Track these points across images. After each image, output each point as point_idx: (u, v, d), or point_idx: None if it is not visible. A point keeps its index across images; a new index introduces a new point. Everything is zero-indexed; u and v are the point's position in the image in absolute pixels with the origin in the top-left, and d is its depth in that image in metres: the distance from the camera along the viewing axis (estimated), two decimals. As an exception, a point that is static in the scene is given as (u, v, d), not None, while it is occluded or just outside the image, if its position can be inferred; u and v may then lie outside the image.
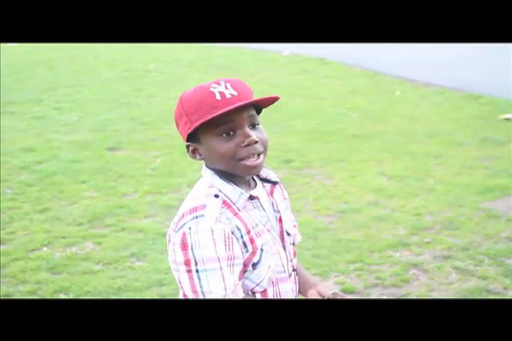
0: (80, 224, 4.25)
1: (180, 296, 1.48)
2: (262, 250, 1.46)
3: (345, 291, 3.26)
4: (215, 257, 1.37)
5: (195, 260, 1.37)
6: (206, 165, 1.52)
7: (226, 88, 1.43)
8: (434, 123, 6.87)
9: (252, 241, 1.44)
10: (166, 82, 9.02)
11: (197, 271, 1.37)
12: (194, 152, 1.49)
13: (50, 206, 4.55)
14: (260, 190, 1.54)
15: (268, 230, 1.50)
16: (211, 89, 1.43)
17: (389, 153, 5.79)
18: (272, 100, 1.47)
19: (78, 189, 4.87)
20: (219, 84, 1.44)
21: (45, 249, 3.90)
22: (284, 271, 1.53)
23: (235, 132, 1.42)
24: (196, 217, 1.39)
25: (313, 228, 4.13)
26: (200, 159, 1.50)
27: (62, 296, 3.31)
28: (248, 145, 1.42)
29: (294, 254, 1.60)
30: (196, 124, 1.41)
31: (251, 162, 1.43)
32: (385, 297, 3.31)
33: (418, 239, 4.03)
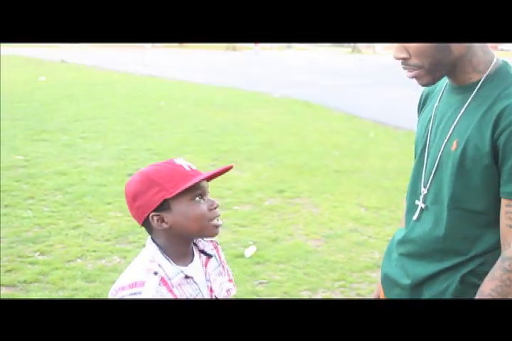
0: (108, 240, 4.22)
1: None
2: None
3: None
4: None
5: None
6: (152, 239, 1.44)
7: (186, 162, 1.44)
8: (403, 161, 7.09)
9: None
10: (175, 117, 9.03)
11: None
12: (159, 221, 1.41)
13: (82, 223, 4.49)
14: (197, 262, 1.48)
15: None
16: (178, 162, 1.42)
17: (365, 187, 5.85)
18: (226, 171, 1.48)
19: (105, 209, 4.83)
20: (176, 159, 1.44)
21: (79, 260, 3.87)
22: None
23: (202, 197, 1.42)
24: (134, 294, 1.34)
25: (304, 250, 4.18)
26: (166, 227, 1.41)
27: (97, 302, 3.34)
28: (215, 207, 1.44)
29: None
30: (179, 189, 1.37)
31: (218, 222, 1.44)
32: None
33: (391, 262, 4.15)
